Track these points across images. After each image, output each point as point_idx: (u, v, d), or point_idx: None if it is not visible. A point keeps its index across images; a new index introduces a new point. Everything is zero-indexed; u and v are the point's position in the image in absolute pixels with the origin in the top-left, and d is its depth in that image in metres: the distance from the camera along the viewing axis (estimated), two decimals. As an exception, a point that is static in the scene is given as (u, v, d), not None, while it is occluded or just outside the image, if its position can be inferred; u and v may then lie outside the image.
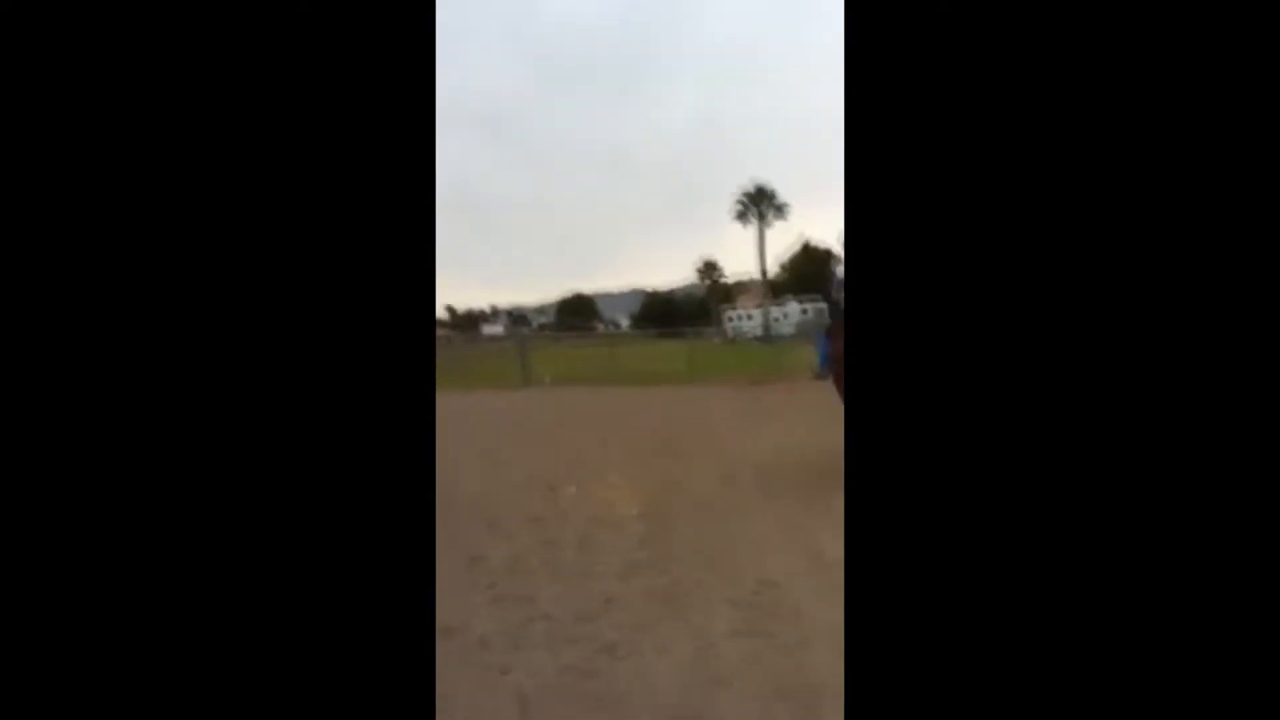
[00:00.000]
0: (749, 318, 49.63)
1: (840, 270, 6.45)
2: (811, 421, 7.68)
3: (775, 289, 56.83)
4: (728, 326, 49.18)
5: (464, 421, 9.42)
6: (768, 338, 32.23)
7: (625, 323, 73.09)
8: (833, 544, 3.58)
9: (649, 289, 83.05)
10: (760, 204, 53.91)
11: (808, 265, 58.80)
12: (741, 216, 54.61)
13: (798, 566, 3.32)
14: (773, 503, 4.55)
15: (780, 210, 53.96)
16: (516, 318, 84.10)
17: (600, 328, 68.20)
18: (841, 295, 6.00)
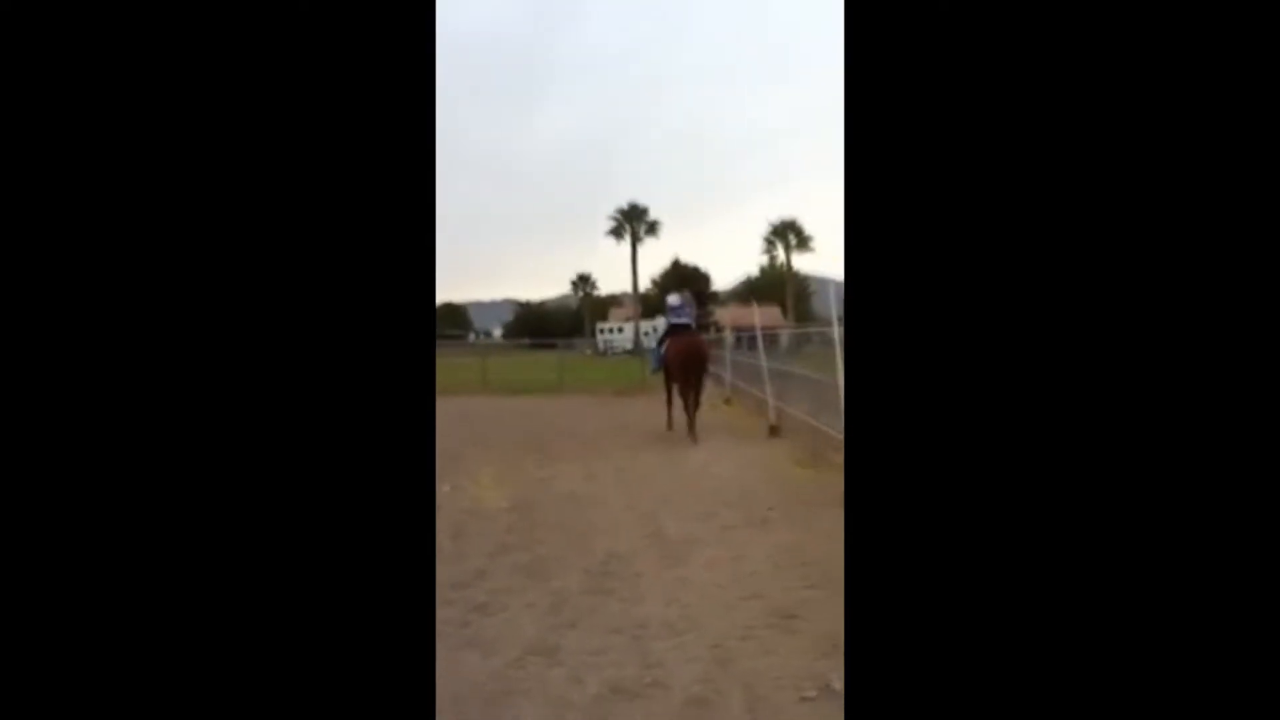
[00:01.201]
0: (620, 331, 50.63)
1: (672, 298, 8.44)
2: (666, 431, 8.45)
3: (647, 304, 58.12)
4: (599, 339, 49.99)
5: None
6: (637, 351, 33.21)
7: (498, 332, 72.55)
8: (672, 524, 4.27)
9: (523, 300, 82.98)
10: (634, 221, 55.16)
11: (678, 282, 60.55)
12: (615, 233, 55.67)
13: (642, 542, 3.96)
14: (625, 494, 5.19)
15: (653, 228, 55.41)
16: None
17: (471, 337, 67.43)
18: (673, 316, 8.23)
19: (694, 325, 8.36)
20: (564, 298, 75.55)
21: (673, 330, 8.15)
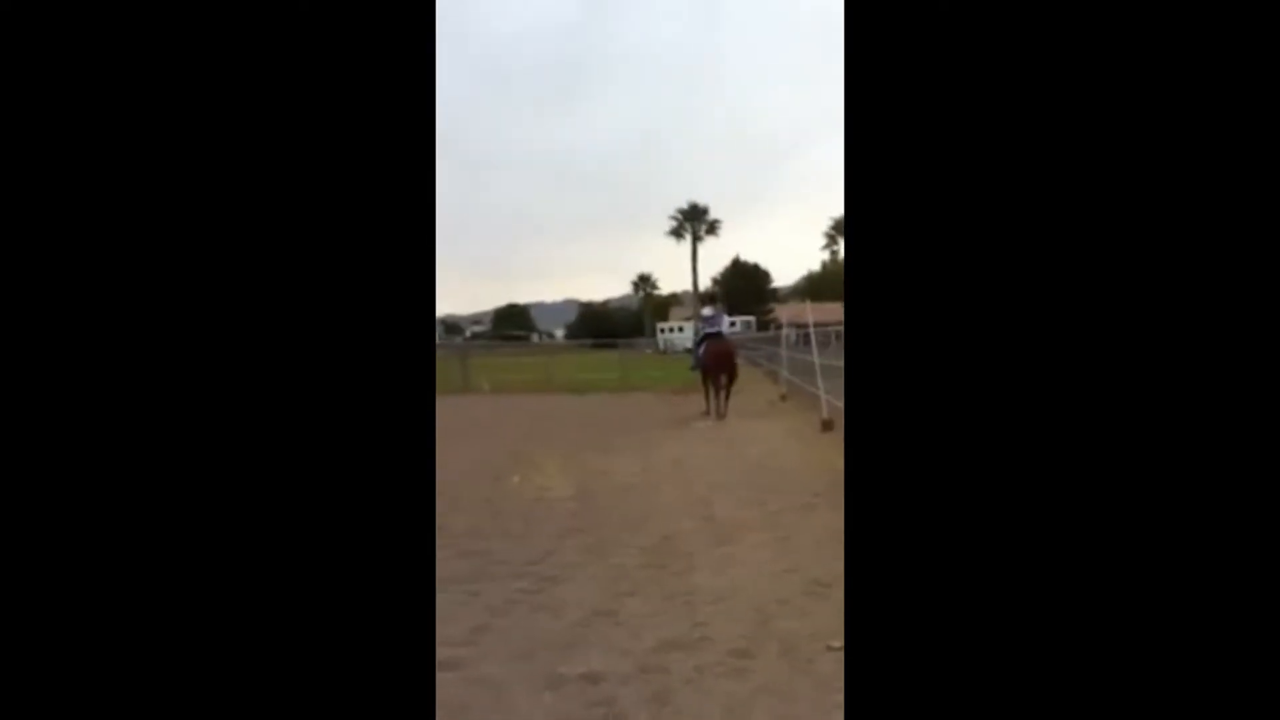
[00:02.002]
0: (680, 330, 50.99)
1: (705, 310, 11.39)
2: (721, 427, 8.79)
3: (707, 303, 58.28)
4: (660, 339, 50.41)
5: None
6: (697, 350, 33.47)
7: (560, 333, 73.63)
8: (723, 509, 4.64)
9: (584, 300, 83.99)
10: (694, 221, 55.45)
11: (738, 280, 60.60)
12: (675, 232, 56.06)
13: (694, 525, 4.33)
14: (679, 484, 5.56)
15: (713, 227, 55.61)
16: (450, 327, 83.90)
17: (535, 338, 68.61)
18: (707, 325, 10.65)
19: (724, 331, 10.58)
20: (625, 297, 76.33)
21: (707, 337, 10.40)
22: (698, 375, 10.59)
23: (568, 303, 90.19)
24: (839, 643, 2.55)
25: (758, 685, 2.34)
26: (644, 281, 70.05)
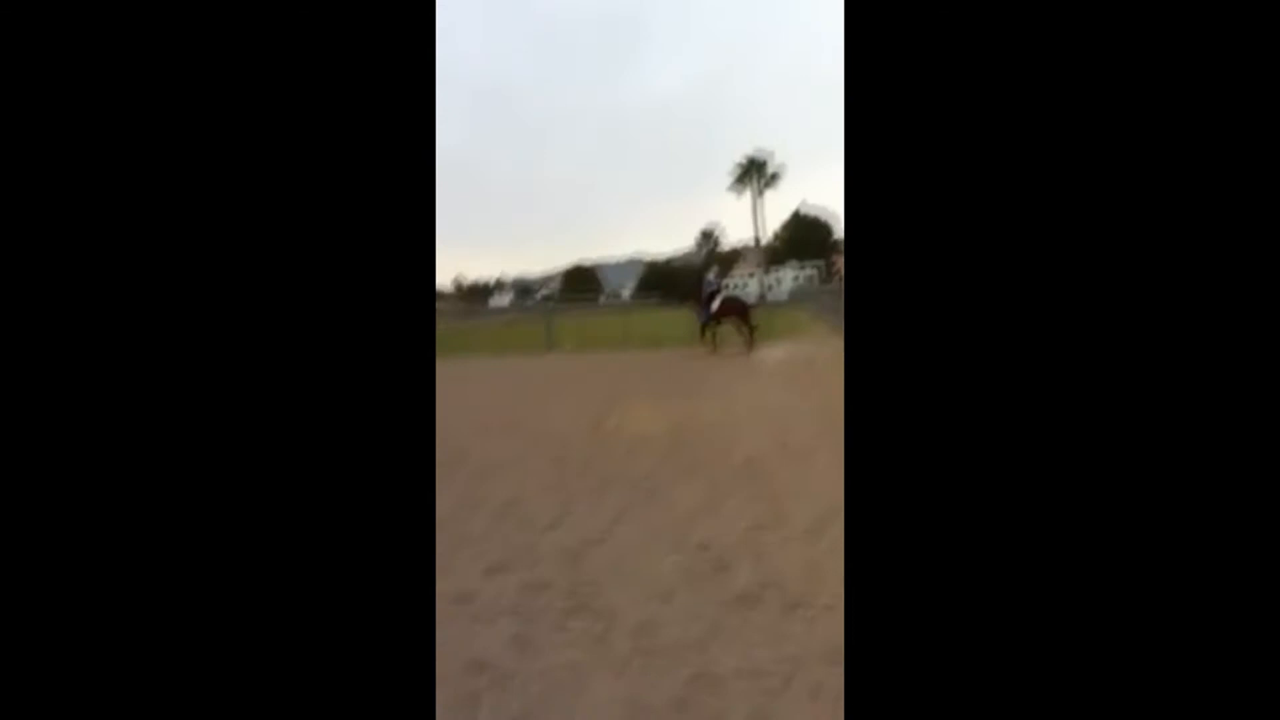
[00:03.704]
0: (745, 284, 51.29)
1: (709, 277, 15.41)
2: (787, 373, 9.60)
3: (772, 255, 58.23)
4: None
5: (510, 380, 11.29)
6: (763, 303, 33.97)
7: (626, 292, 74.42)
8: (795, 433, 5.52)
9: (649, 258, 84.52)
10: (755, 173, 55.20)
11: (802, 232, 60.31)
12: (738, 185, 55.92)
13: (771, 451, 5.20)
14: (755, 421, 6.43)
15: (773, 180, 55.24)
16: (522, 289, 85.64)
17: (601, 298, 69.58)
18: (709, 288, 14.52)
19: (718, 288, 14.74)
20: (689, 253, 76.60)
21: (711, 295, 14.25)
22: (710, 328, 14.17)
23: (633, 261, 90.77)
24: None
25: (826, 548, 3.21)
26: (707, 236, 70.29)
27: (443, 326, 20.53)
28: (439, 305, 39.27)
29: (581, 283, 76.31)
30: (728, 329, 14.10)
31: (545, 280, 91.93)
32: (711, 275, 15.75)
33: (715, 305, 14.15)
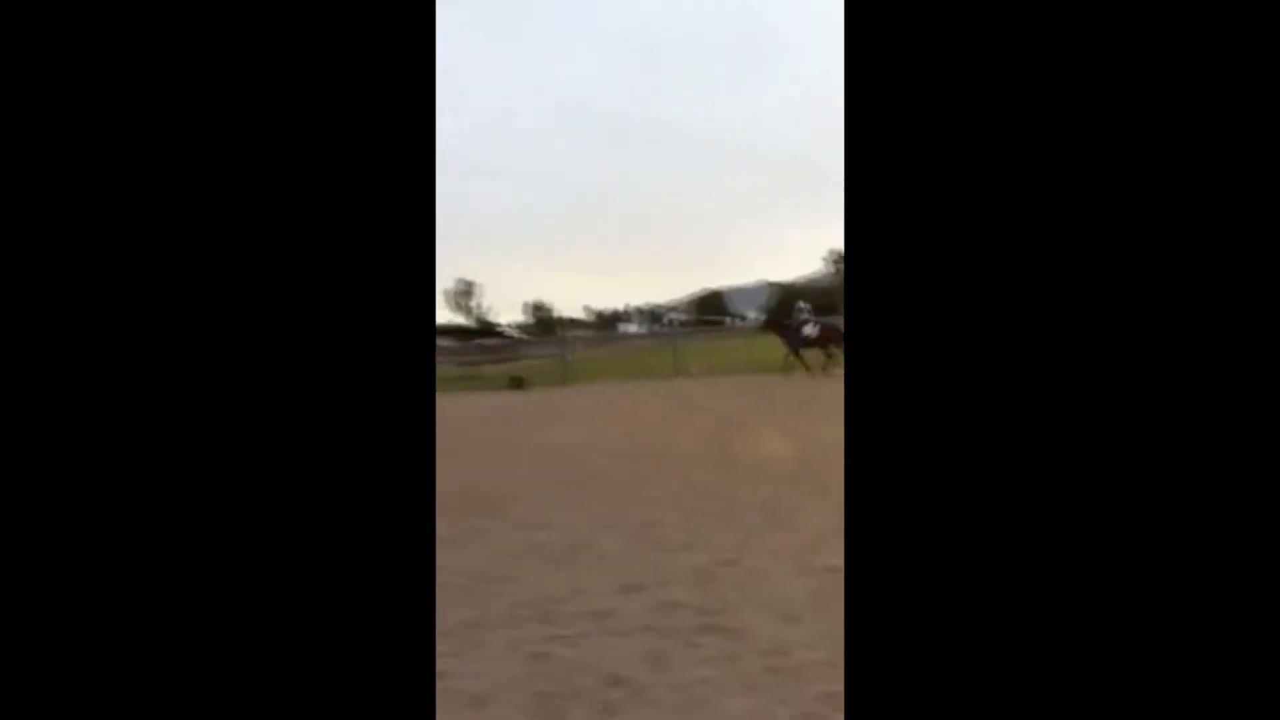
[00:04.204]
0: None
1: (800, 311, 15.95)
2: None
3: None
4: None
5: (640, 403, 11.57)
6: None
7: (752, 315, 73.92)
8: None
9: (776, 282, 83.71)
10: (885, 190, 53.54)
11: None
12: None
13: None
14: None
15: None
16: (652, 316, 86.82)
17: (728, 322, 69.46)
18: (801, 316, 15.43)
19: (810, 319, 15.25)
20: (818, 275, 75.34)
21: (803, 323, 14.99)
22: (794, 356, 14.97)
23: (761, 285, 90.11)
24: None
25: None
26: (837, 258, 68.89)
27: (577, 353, 21.20)
28: (575, 332, 40.34)
29: (710, 308, 76.47)
30: (812, 354, 14.77)
31: (674, 306, 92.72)
32: (802, 303, 16.72)
33: (809, 331, 14.96)
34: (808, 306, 16.12)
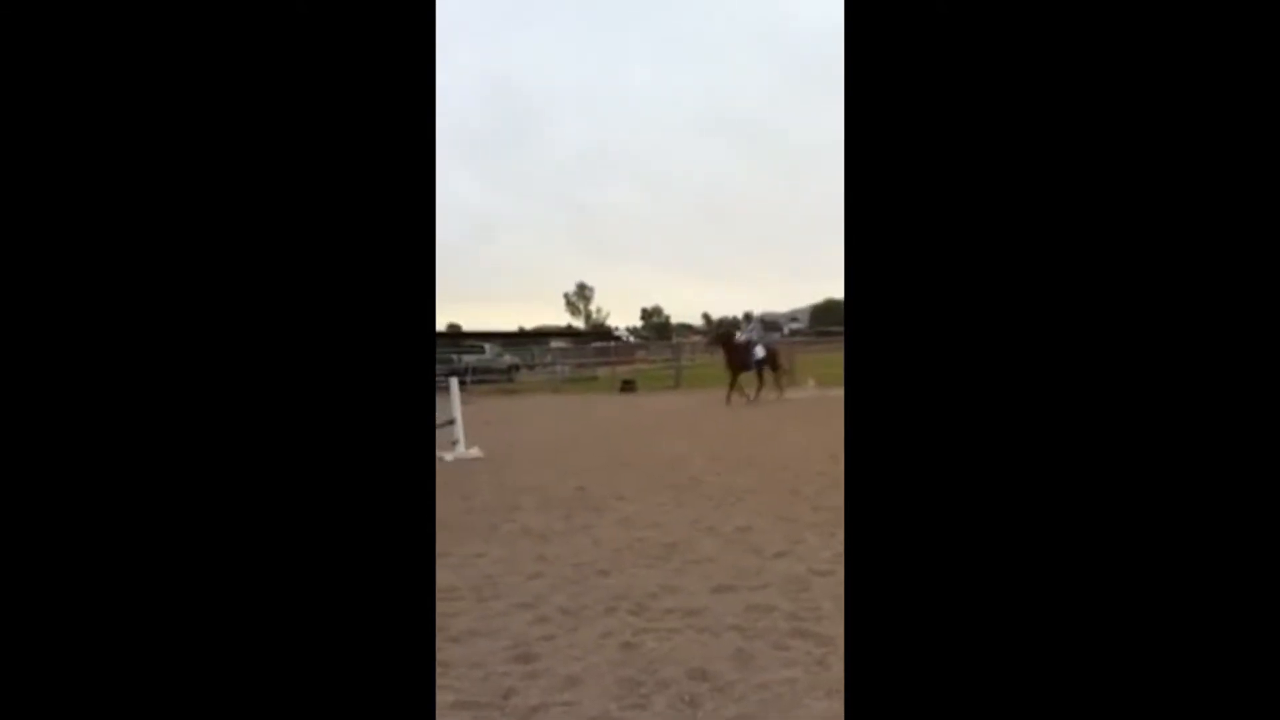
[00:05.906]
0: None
1: (751, 327, 15.36)
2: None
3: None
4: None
5: (749, 412, 11.52)
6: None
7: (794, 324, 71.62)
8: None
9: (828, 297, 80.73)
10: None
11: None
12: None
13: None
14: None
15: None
16: (769, 324, 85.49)
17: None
18: (751, 334, 14.71)
19: (757, 338, 14.56)
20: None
21: (751, 344, 14.13)
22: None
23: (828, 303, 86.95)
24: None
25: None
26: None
27: (689, 359, 21.06)
28: (688, 339, 40.37)
29: (829, 317, 74.78)
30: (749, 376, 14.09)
31: (794, 316, 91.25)
32: (754, 326, 16.31)
33: (759, 353, 14.37)
34: (757, 323, 15.93)
